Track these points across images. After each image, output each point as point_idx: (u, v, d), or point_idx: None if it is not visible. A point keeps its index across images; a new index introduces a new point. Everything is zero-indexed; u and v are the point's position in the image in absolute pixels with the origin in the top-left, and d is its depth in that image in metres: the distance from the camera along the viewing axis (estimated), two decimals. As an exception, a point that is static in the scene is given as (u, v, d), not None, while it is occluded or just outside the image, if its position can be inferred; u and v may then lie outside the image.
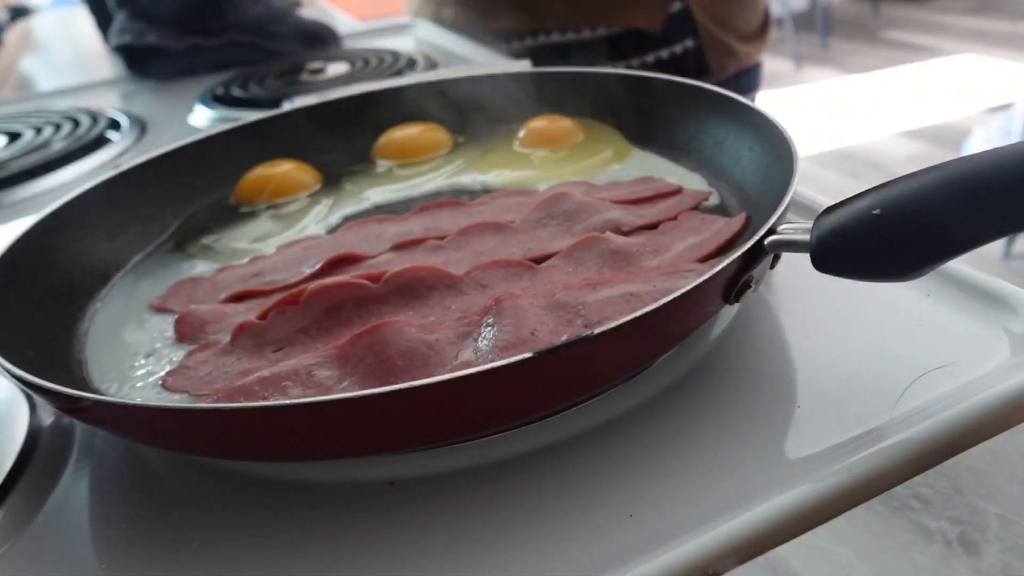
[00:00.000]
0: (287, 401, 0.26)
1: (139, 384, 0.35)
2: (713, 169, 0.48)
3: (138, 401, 0.34)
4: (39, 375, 0.29)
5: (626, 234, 0.41)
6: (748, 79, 0.96)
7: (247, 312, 0.39)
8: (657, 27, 0.80)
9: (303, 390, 0.31)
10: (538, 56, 0.87)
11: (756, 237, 0.31)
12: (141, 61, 0.98)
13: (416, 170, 0.57)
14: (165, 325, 0.40)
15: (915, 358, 0.32)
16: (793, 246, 0.31)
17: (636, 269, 0.37)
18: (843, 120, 3.07)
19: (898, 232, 0.28)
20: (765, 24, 0.96)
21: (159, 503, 0.31)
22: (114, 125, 0.81)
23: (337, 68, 0.91)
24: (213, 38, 0.99)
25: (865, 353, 0.34)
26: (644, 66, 0.86)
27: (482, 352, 0.31)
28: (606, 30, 0.82)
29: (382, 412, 0.26)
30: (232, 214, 0.53)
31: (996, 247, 1.97)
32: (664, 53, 0.84)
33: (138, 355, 0.38)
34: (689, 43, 0.84)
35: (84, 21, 1.45)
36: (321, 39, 1.06)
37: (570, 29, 0.83)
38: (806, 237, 0.30)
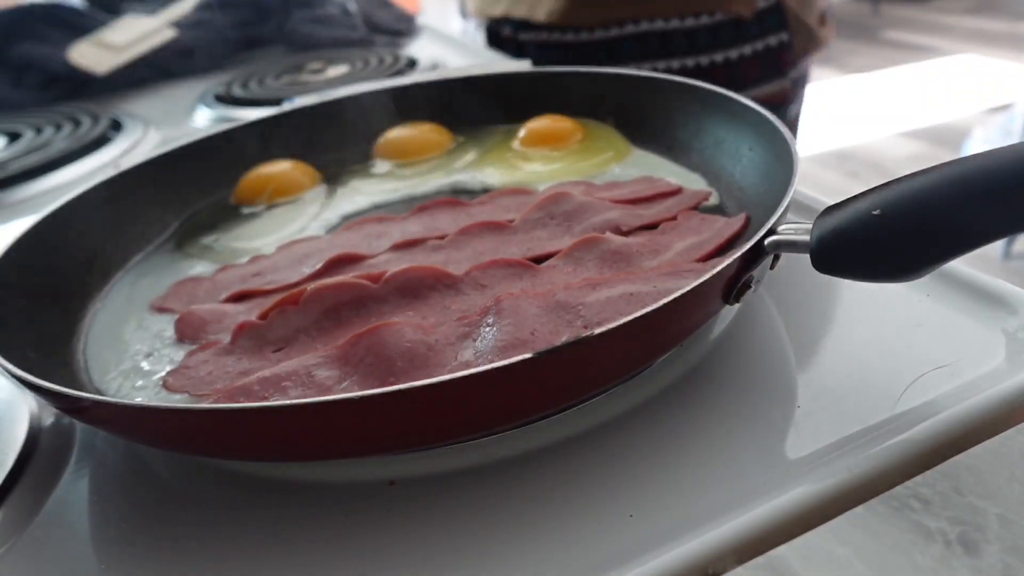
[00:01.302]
0: (287, 401, 0.26)
1: (139, 384, 0.35)
2: (713, 169, 0.48)
3: (138, 401, 0.34)
4: (39, 375, 0.29)
5: (626, 234, 0.41)
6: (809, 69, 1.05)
7: (247, 312, 0.39)
8: (749, 13, 0.87)
9: (303, 390, 0.31)
10: (641, 45, 0.90)
11: (756, 237, 0.31)
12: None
13: (416, 170, 0.56)
14: (165, 325, 0.40)
15: (915, 358, 0.32)
16: (793, 246, 0.31)
17: (636, 269, 0.37)
18: (843, 120, 3.07)
19: (898, 232, 0.28)
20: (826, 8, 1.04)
21: (159, 503, 0.31)
22: (114, 125, 0.81)
23: (337, 68, 0.91)
24: None
25: (865, 353, 0.34)
26: (742, 57, 0.91)
27: (482, 353, 0.31)
28: (709, 18, 0.87)
29: (382, 412, 0.26)
30: (232, 214, 0.53)
31: (996, 247, 1.97)
32: (759, 45, 0.91)
33: (138, 355, 0.38)
34: (784, 36, 0.91)
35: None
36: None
37: (674, 17, 0.87)
38: (806, 237, 0.30)
